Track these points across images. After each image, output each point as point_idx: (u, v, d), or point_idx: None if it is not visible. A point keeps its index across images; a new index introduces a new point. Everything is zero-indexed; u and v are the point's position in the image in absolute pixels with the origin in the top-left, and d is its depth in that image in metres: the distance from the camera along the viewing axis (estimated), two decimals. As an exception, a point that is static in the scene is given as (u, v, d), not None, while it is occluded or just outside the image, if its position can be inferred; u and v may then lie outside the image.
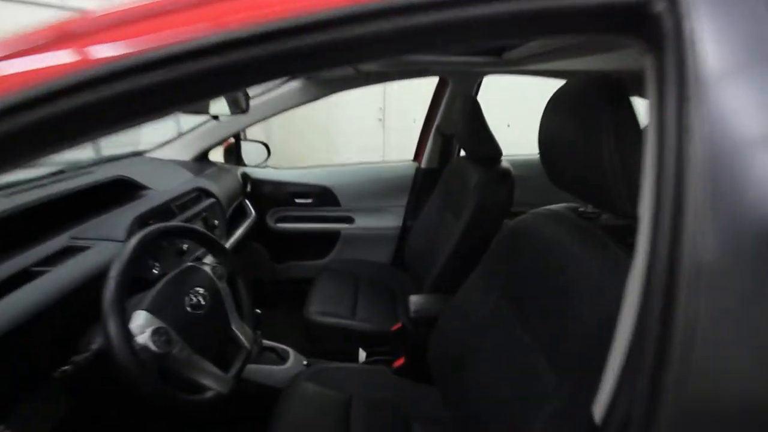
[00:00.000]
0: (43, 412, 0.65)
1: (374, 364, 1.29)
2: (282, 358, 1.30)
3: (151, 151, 1.70)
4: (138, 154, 1.67)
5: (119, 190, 1.19)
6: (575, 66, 1.26)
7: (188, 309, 0.77)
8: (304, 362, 1.29)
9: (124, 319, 0.62)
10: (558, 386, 0.62)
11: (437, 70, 1.57)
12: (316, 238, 1.96)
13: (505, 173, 1.28)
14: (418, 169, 1.91)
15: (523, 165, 1.47)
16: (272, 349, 1.32)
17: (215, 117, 1.11)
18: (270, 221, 1.92)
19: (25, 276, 0.73)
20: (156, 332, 0.67)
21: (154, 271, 0.92)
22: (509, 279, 0.86)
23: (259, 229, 1.91)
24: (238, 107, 1.10)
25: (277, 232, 1.94)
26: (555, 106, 0.68)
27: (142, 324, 0.68)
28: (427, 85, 1.78)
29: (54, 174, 1.22)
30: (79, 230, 0.90)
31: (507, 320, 0.83)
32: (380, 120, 5.32)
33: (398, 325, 1.37)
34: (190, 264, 0.86)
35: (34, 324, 0.64)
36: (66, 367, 0.61)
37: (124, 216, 0.97)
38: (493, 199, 1.26)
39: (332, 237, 1.96)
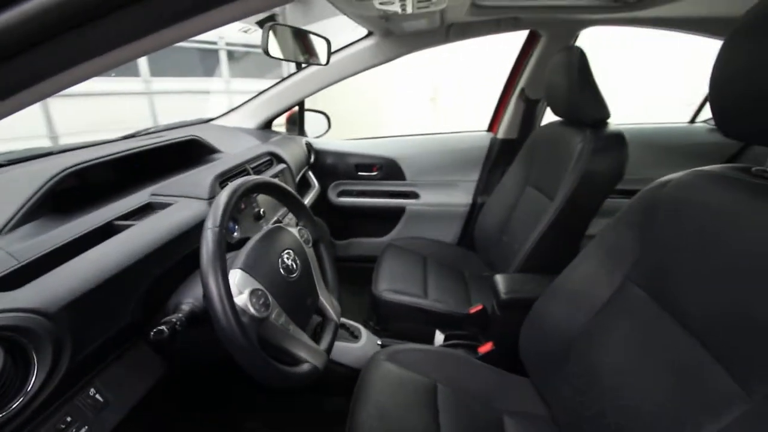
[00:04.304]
0: (136, 376, 0.59)
1: (454, 347, 1.17)
2: (354, 335, 1.22)
3: (217, 119, 1.66)
4: (205, 121, 1.65)
5: (190, 152, 1.16)
6: (692, 11, 1.02)
7: (282, 272, 0.68)
8: (378, 342, 1.20)
9: (226, 276, 0.54)
10: (741, 389, 0.50)
11: (531, 20, 1.36)
12: (379, 214, 1.85)
13: (619, 137, 1.09)
14: (493, 140, 1.73)
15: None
16: (344, 326, 1.24)
17: (299, 67, 1.02)
18: (331, 195, 1.84)
19: (108, 229, 0.69)
20: (254, 294, 0.59)
21: (234, 234, 0.86)
22: (645, 257, 0.71)
23: (320, 203, 1.83)
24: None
25: (339, 207, 1.85)
26: (749, 28, 0.52)
27: (238, 284, 0.59)
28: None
29: (124, 137, 1.21)
30: (159, 187, 0.86)
31: (642, 306, 0.69)
32: (433, 100, 5.11)
33: (478, 308, 1.23)
34: (277, 225, 0.78)
35: (121, 280, 0.58)
36: (161, 328, 0.54)
37: (202, 175, 0.92)
38: (603, 167, 1.07)
39: (396, 213, 1.84)
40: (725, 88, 0.55)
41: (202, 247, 0.55)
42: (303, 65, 1.07)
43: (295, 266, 0.72)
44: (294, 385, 0.63)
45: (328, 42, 1.11)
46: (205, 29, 0.40)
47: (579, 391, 0.75)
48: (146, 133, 1.32)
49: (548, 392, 0.86)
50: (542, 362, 0.89)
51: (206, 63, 4.67)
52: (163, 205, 0.80)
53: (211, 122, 1.65)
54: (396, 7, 0.85)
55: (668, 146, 1.69)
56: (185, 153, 1.14)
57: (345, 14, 1.04)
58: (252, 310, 0.57)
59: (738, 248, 0.54)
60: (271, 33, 0.91)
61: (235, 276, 0.61)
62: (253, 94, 1.58)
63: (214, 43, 4.60)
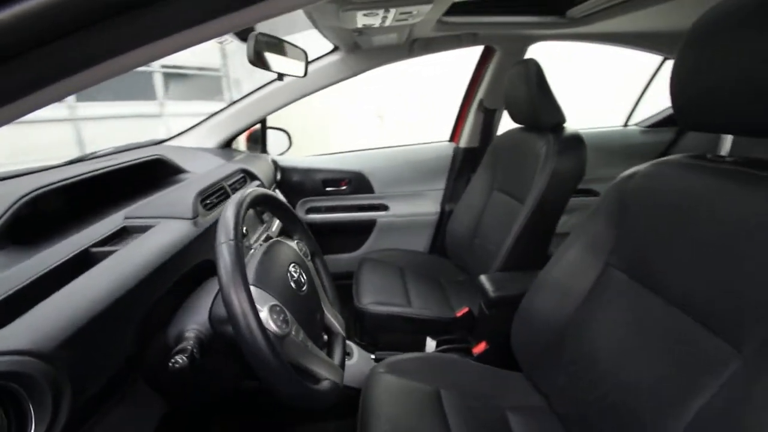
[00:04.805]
0: (137, 417, 0.52)
1: (447, 352, 1.18)
2: (346, 352, 1.17)
3: (170, 140, 1.56)
4: (158, 142, 1.54)
5: (155, 173, 1.07)
6: (632, 26, 1.17)
7: (293, 286, 0.65)
8: (372, 356, 1.17)
9: (250, 291, 0.50)
10: (732, 347, 0.54)
11: (488, 36, 1.47)
12: (350, 228, 1.83)
13: (578, 138, 1.19)
14: (456, 149, 1.80)
15: None
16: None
17: (280, 77, 1.00)
18: (300, 212, 1.79)
19: (85, 258, 0.61)
20: (273, 310, 0.55)
21: None
22: (622, 243, 0.76)
23: None
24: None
25: (308, 225, 1.80)
26: (693, 41, 0.60)
27: (255, 300, 0.55)
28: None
29: (71, 162, 1.10)
30: (133, 210, 0.78)
31: (625, 288, 0.74)
32: (380, 117, 5.23)
33: (464, 310, 1.26)
34: (276, 239, 0.74)
35: (115, 311, 0.51)
36: (177, 358, 0.48)
37: (180, 194, 0.86)
38: (568, 167, 1.17)
39: (367, 227, 1.83)
40: (681, 90, 0.63)
41: (219, 262, 0.50)
42: (281, 78, 1.05)
43: (303, 280, 0.68)
44: (318, 405, 0.59)
45: (306, 54, 1.11)
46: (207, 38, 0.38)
47: (576, 378, 0.77)
48: (93, 157, 1.21)
49: (544, 383, 0.88)
50: (535, 355, 0.91)
51: (141, 85, 4.36)
52: (143, 228, 0.73)
53: (165, 143, 1.54)
54: (377, 20, 0.88)
55: (609, 148, 1.88)
56: (149, 174, 1.05)
57: (316, 28, 1.04)
58: (273, 327, 0.53)
59: (709, 225, 0.60)
60: (254, 43, 0.89)
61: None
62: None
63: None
